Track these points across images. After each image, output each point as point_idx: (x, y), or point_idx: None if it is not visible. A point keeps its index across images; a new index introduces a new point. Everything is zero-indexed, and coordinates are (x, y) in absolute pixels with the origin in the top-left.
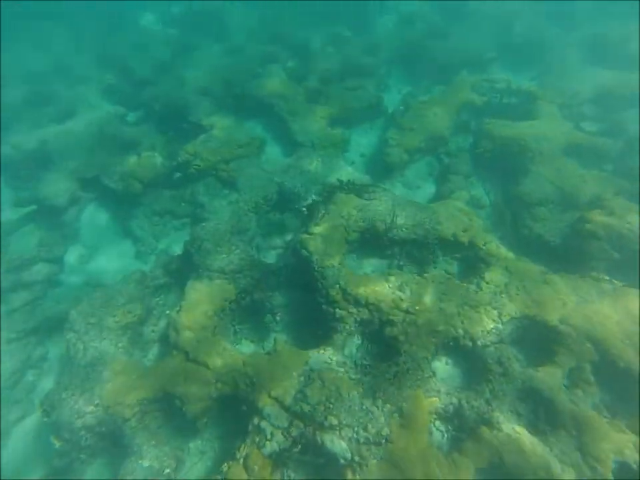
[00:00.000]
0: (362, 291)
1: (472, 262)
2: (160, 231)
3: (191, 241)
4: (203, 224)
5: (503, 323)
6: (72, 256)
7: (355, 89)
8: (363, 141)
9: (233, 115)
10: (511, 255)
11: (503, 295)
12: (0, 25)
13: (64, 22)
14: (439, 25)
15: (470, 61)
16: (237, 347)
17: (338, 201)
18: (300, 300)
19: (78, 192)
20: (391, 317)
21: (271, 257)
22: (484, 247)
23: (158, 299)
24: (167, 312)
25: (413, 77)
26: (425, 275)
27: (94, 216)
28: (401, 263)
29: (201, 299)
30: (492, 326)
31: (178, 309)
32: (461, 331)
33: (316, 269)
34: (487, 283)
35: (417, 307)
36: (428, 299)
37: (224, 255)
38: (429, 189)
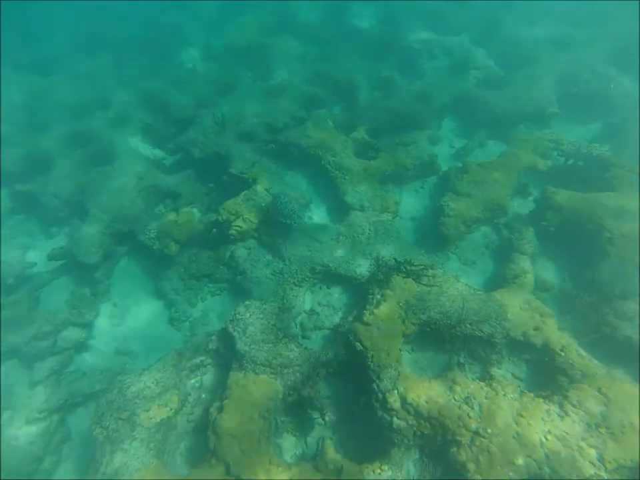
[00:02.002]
0: (424, 401)
1: (547, 370)
2: (195, 296)
3: (233, 322)
4: (247, 302)
5: (607, 471)
6: (102, 317)
7: (407, 143)
8: (413, 201)
9: (275, 164)
10: (600, 369)
11: (602, 430)
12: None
13: (108, 54)
14: (495, 72)
15: (528, 115)
16: (278, 441)
17: (395, 286)
18: (350, 395)
19: (112, 246)
20: (457, 437)
21: (316, 339)
22: (562, 353)
23: (194, 380)
24: (203, 396)
25: (465, 129)
26: (494, 384)
27: (126, 271)
28: (462, 361)
29: (245, 398)
30: (591, 472)
31: (219, 405)
32: (547, 469)
33: (371, 367)
34: (574, 406)
35: (488, 430)
36: (501, 419)
37: (270, 345)
38: (486, 264)
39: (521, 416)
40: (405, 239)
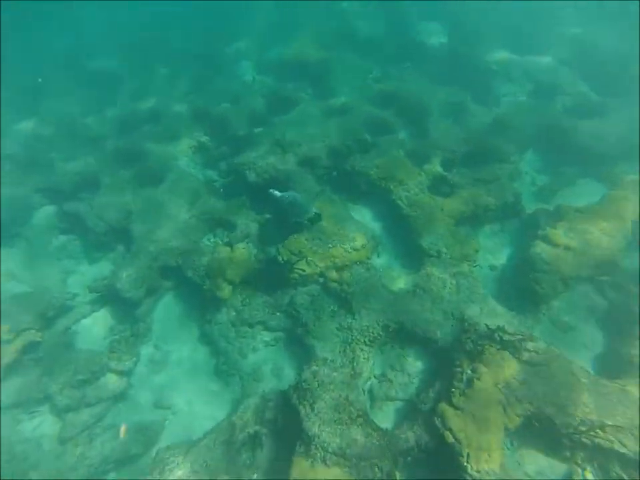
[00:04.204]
0: None
1: None
2: (247, 345)
3: (299, 392)
4: (315, 367)
5: None
6: (142, 362)
7: (488, 180)
8: (491, 247)
9: (338, 195)
10: None
11: None
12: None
13: (162, 66)
14: (589, 98)
15: (631, 149)
16: None
17: (490, 361)
18: None
19: (157, 280)
20: None
21: (388, 412)
22: None
23: (245, 456)
24: (255, 476)
25: (549, 164)
26: None
27: (170, 309)
28: (590, 477)
29: None
30: None
31: None
32: None
33: (468, 470)
34: None
35: None
36: None
37: (344, 427)
38: (590, 332)
39: None
40: (488, 294)
